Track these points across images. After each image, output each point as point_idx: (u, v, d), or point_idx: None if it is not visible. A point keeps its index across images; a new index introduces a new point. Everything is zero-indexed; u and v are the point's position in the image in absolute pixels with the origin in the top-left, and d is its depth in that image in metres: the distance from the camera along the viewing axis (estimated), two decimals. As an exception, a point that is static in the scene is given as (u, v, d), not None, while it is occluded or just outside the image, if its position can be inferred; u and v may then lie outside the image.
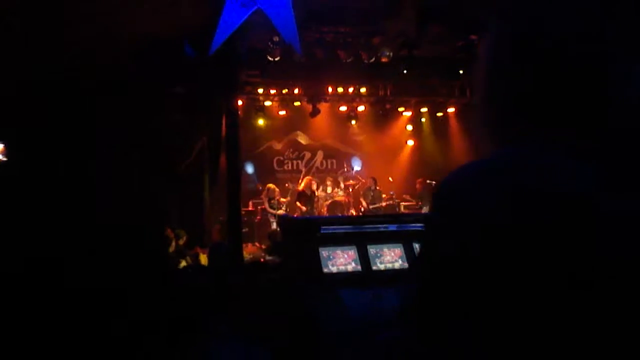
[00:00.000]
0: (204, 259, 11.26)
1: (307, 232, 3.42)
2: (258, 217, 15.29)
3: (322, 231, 3.39)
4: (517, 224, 1.21)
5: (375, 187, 16.02)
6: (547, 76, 1.30)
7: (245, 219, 14.45)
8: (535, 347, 1.22)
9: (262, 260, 10.33)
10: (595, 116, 1.28)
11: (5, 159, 12.47)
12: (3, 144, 12.49)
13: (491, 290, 1.24)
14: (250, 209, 15.32)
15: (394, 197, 15.99)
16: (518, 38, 1.36)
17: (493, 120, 1.40)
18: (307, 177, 16.05)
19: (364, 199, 15.97)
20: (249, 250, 13.46)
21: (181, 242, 11.70)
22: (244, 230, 13.89)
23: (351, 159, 17.51)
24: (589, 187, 1.21)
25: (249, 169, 16.56)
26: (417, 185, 16.04)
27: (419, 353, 1.36)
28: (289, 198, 15.62)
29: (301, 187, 15.72)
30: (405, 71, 14.29)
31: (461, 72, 15.10)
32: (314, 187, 15.78)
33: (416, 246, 3.51)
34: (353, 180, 16.65)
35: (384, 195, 15.98)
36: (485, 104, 1.41)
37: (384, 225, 3.59)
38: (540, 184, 1.22)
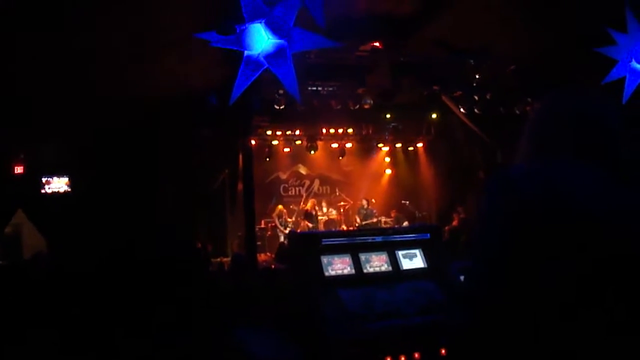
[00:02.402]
0: (226, 266, 11.24)
1: (311, 244, 3.43)
2: (269, 233, 15.27)
3: (323, 243, 3.41)
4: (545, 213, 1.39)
5: (368, 206, 16.00)
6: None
7: (259, 234, 14.42)
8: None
9: (272, 266, 10.29)
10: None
11: (69, 189, 12.50)
12: (68, 177, 12.51)
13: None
14: (262, 226, 15.29)
15: (376, 214, 15.98)
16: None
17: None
18: (312, 200, 16.08)
19: (358, 216, 15.93)
20: (262, 259, 13.39)
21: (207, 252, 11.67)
22: (257, 243, 13.85)
23: None
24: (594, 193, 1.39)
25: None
26: (392, 214, 16.06)
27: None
28: (293, 218, 15.59)
29: (308, 207, 15.75)
30: (388, 116, 14.38)
31: (434, 115, 15.20)
32: (317, 208, 15.85)
33: (398, 253, 3.53)
34: (344, 202, 16.66)
35: (375, 212, 15.98)
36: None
37: (372, 237, 3.60)
38: (559, 188, 1.42)
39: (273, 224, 15.22)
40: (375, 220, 15.67)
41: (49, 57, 8.79)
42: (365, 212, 15.85)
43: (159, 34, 8.88)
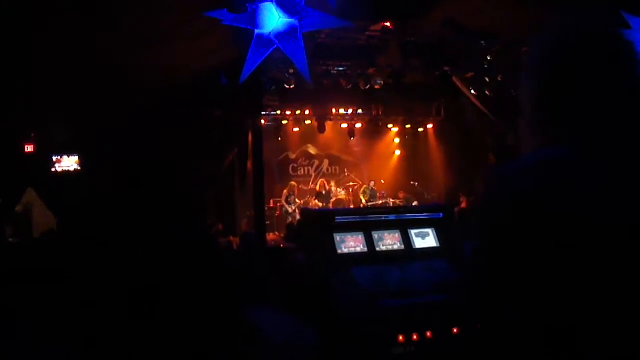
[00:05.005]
0: (235, 245, 11.27)
1: (324, 221, 3.42)
2: (277, 213, 15.31)
3: (336, 220, 3.40)
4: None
5: (373, 188, 16.03)
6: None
7: (268, 213, 14.45)
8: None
9: (281, 246, 10.30)
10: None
11: (79, 168, 12.54)
12: (78, 155, 12.55)
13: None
14: (271, 206, 15.33)
15: (385, 195, 15.98)
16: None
17: (534, 128, 1.40)
18: (322, 180, 16.10)
19: (364, 197, 15.96)
20: (271, 238, 13.42)
21: (217, 230, 11.70)
22: (266, 222, 13.87)
23: None
24: (594, 187, 1.18)
25: None
26: (400, 195, 16.06)
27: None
28: (306, 198, 15.63)
29: (317, 187, 15.81)
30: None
31: (442, 99, 15.15)
32: (327, 186, 15.86)
33: (411, 232, 3.51)
34: (353, 182, 16.66)
35: (378, 194, 15.98)
36: (530, 117, 1.41)
37: (385, 215, 3.58)
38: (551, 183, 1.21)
39: (281, 203, 15.25)
40: (380, 202, 15.67)
41: (63, 39, 8.78)
42: (370, 192, 15.89)
43: (170, 14, 8.84)
